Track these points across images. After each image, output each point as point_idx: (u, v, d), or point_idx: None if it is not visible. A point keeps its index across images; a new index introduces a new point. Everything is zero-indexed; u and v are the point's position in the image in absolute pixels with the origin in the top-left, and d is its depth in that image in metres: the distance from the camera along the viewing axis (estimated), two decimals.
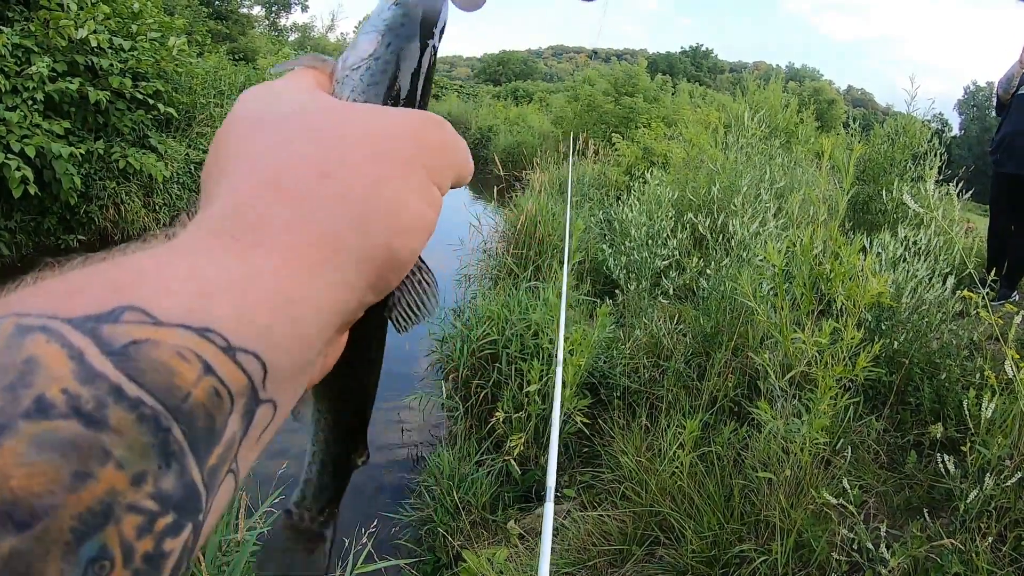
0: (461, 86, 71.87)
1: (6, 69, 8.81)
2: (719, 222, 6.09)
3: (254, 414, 0.35)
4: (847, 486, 3.43)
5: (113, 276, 0.31)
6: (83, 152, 9.69)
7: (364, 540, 3.24)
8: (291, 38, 44.49)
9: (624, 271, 6.43)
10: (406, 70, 0.55)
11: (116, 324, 0.29)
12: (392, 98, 0.53)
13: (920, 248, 4.72)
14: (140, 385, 0.28)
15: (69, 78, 9.79)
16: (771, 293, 4.52)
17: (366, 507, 4.89)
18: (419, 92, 0.55)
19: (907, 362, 4.41)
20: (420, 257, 0.52)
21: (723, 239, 6.05)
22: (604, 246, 7.14)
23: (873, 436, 4.21)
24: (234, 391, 0.32)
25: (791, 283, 4.06)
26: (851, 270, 3.70)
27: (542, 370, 4.68)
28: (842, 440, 3.96)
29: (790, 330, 3.79)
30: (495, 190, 9.75)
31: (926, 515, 3.37)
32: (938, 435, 3.78)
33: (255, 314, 0.34)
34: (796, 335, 3.66)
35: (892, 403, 4.44)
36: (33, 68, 9.07)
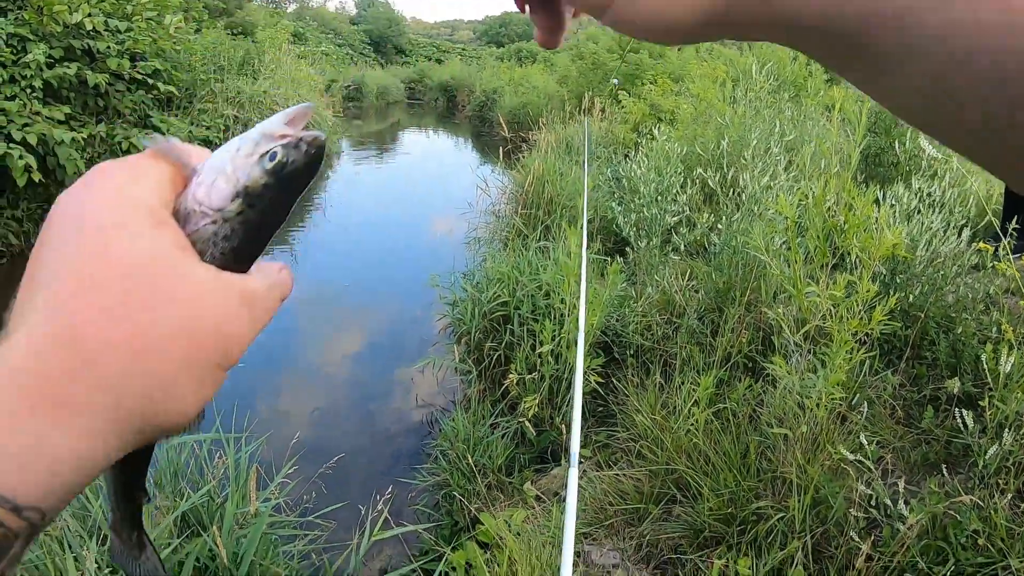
0: (464, 49, 71.16)
1: (2, 59, 8.91)
2: (729, 176, 6.00)
3: (32, 538, 0.41)
4: (864, 441, 3.41)
5: None
6: (85, 136, 9.82)
7: (380, 507, 3.24)
8: (289, 8, 43.93)
9: (634, 228, 6.37)
10: (257, 232, 0.55)
11: None
12: (234, 258, 0.53)
13: (935, 200, 4.65)
14: None
15: (67, 63, 9.88)
16: (784, 247, 4.47)
17: (381, 474, 4.92)
18: (267, 242, 0.56)
19: (922, 316, 4.36)
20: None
21: (733, 193, 5.98)
22: (613, 204, 7.07)
23: (889, 391, 4.18)
24: (19, 533, 0.39)
25: (804, 236, 4.00)
26: (865, 221, 3.65)
27: (554, 330, 4.65)
28: (858, 396, 3.93)
29: (804, 284, 3.76)
30: (501, 152, 9.69)
31: (944, 471, 3.36)
32: (955, 390, 3.76)
33: (43, 479, 0.40)
34: (810, 288, 3.63)
35: (908, 358, 4.40)
36: (30, 56, 9.17)
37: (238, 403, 4.11)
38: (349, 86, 31.27)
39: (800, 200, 4.10)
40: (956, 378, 3.83)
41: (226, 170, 0.53)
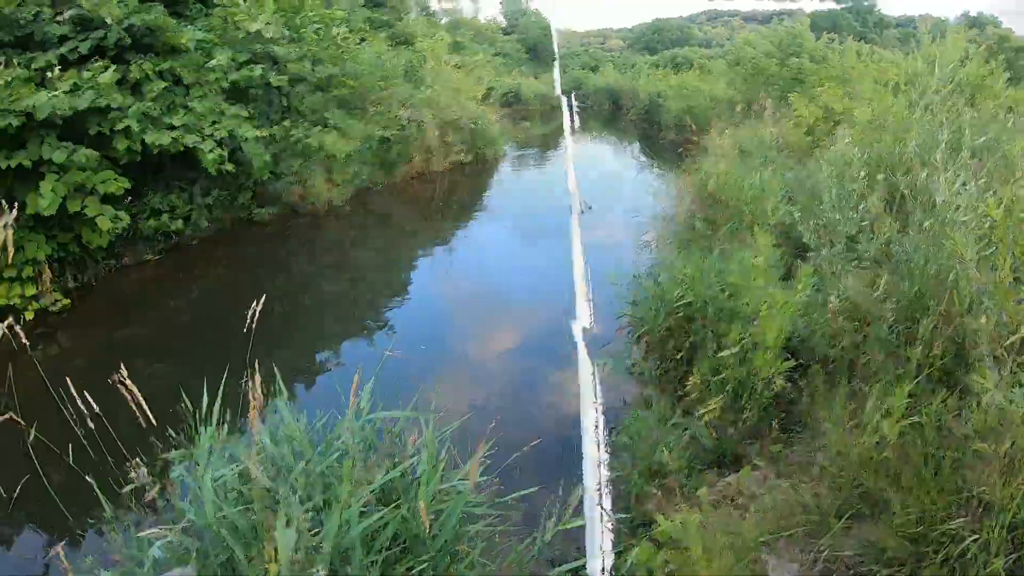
0: (615, 57, 70.94)
1: (194, 62, 9.85)
2: (919, 181, 5.74)
3: None
4: None
5: None
6: (268, 134, 10.72)
7: (574, 498, 3.28)
8: (443, 20, 45.18)
9: (814, 235, 6.19)
10: None
11: None
12: None
13: None
14: None
15: (251, 66, 10.85)
16: (982, 254, 4.25)
17: (555, 469, 4.96)
18: None
19: None
20: None
21: (922, 199, 5.73)
22: (792, 208, 6.93)
23: None
24: None
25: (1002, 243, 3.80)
26: None
27: (741, 333, 4.61)
28: None
29: (1010, 291, 3.59)
30: (672, 156, 9.71)
31: None
32: None
33: None
34: (1021, 295, 3.47)
35: None
36: (214, 61, 10.15)
37: (420, 388, 4.24)
38: (507, 93, 32.28)
39: (1008, 202, 3.88)
40: None
41: None
